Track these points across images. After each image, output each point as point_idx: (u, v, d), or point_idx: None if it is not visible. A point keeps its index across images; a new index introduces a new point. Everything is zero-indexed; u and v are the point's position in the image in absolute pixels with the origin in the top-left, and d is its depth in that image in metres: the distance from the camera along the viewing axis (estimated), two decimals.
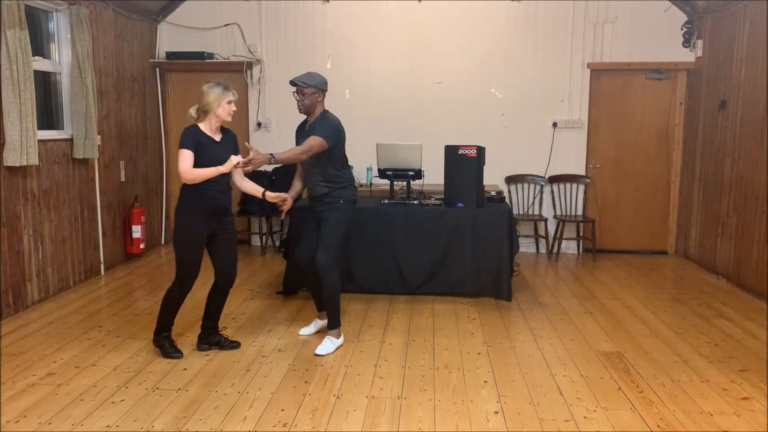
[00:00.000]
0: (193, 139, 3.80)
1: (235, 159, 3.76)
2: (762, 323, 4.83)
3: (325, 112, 4.24)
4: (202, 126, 3.88)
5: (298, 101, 4.19)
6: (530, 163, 7.30)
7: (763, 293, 5.41)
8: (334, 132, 4.12)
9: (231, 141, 4.00)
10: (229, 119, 3.90)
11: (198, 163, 3.76)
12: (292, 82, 4.15)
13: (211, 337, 4.22)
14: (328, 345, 4.19)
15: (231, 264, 4.10)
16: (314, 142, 4.01)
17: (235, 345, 4.24)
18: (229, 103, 3.86)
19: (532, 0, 7.08)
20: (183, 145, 3.78)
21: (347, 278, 5.38)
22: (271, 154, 3.83)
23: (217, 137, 3.91)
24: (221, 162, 3.78)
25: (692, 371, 3.90)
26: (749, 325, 4.78)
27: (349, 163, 4.49)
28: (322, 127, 4.10)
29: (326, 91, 4.26)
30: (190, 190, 3.87)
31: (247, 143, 3.95)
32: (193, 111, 3.91)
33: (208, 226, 3.93)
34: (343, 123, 4.27)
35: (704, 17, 6.73)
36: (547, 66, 7.18)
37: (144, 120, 7.13)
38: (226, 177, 3.92)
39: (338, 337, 4.28)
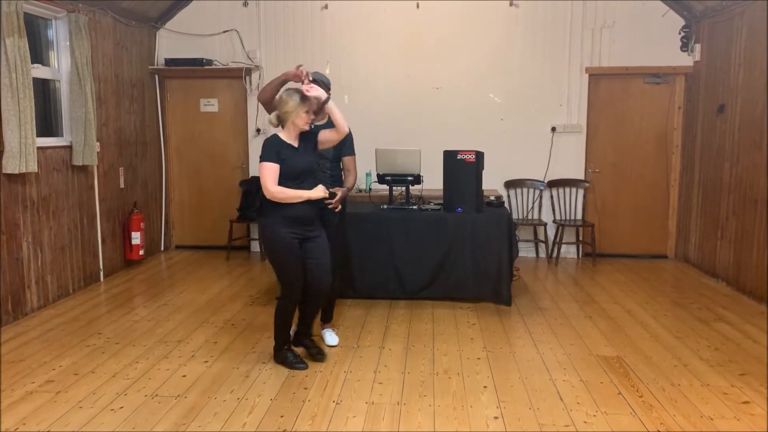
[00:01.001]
0: (275, 150, 3.73)
1: (322, 191, 3.79)
2: (762, 327, 4.83)
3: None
4: (283, 134, 3.82)
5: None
6: (529, 168, 7.31)
7: (762, 297, 5.40)
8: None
9: (311, 142, 3.91)
10: (308, 128, 3.83)
11: (280, 173, 3.72)
12: (316, 81, 4.01)
13: (303, 339, 4.18)
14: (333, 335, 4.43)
15: (320, 269, 3.93)
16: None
17: (320, 357, 4.10)
18: (307, 112, 3.78)
19: (530, 4, 7.10)
20: (265, 157, 3.72)
21: (347, 284, 5.38)
22: (347, 188, 4.15)
23: (297, 143, 3.84)
24: (303, 168, 3.78)
25: (692, 375, 3.89)
26: (749, 329, 4.78)
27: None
28: (350, 145, 4.31)
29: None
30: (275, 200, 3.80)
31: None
32: (273, 118, 3.85)
33: (299, 234, 3.84)
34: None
35: (702, 21, 6.75)
36: (546, 71, 7.19)
37: (143, 126, 7.13)
38: (310, 179, 3.86)
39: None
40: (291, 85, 3.93)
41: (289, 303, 3.93)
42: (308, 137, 3.90)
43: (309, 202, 3.82)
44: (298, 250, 3.85)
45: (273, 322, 4.02)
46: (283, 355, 4.04)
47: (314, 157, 3.92)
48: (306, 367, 3.98)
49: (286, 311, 3.96)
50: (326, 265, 3.95)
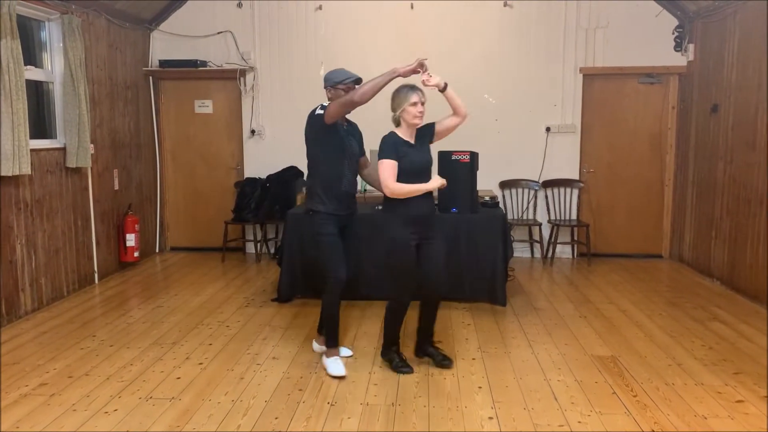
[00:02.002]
0: (394, 147, 3.70)
1: (440, 181, 3.74)
2: (756, 326, 4.84)
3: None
4: (399, 131, 3.79)
5: None
6: (524, 168, 7.32)
7: (757, 296, 5.42)
8: None
9: (427, 137, 3.87)
10: (417, 122, 3.75)
11: (398, 171, 3.69)
12: (357, 81, 3.96)
13: (426, 348, 4.12)
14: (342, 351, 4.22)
15: (435, 273, 3.86)
16: None
17: (446, 363, 4.01)
18: (414, 105, 3.69)
19: (524, 5, 7.11)
20: (384, 155, 3.69)
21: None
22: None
23: (413, 140, 3.80)
24: (421, 166, 3.75)
25: (687, 375, 3.90)
26: (744, 328, 4.79)
27: None
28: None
29: (331, 87, 3.97)
30: (393, 198, 3.75)
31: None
32: (394, 116, 3.82)
33: (416, 234, 3.79)
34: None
35: (695, 21, 6.77)
36: (540, 71, 7.20)
37: (138, 128, 7.12)
38: (427, 177, 3.81)
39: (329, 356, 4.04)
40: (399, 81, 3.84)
41: (403, 303, 3.90)
42: (424, 133, 3.85)
43: (424, 199, 3.77)
44: (414, 250, 3.80)
45: (384, 322, 4.00)
46: (390, 356, 4.01)
47: (430, 154, 3.88)
48: (411, 371, 3.92)
49: (400, 311, 3.93)
50: (440, 268, 3.88)
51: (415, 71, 3.79)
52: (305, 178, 4.42)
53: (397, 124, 3.82)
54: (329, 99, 3.98)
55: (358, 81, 3.95)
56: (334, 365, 3.91)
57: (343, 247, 3.98)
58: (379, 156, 3.71)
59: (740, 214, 5.76)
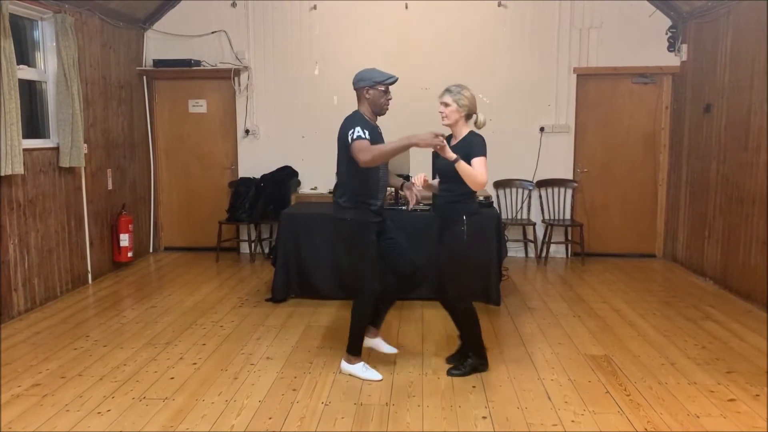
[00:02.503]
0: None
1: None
2: (749, 325, 4.86)
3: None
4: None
5: None
6: (518, 168, 7.33)
7: (750, 295, 5.44)
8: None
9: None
10: (446, 122, 3.88)
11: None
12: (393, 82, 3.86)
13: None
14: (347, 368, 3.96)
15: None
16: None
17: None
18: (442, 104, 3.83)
19: (519, 5, 7.12)
20: (483, 152, 3.75)
21: (337, 286, 5.38)
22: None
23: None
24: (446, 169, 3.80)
25: (679, 374, 3.91)
26: (736, 327, 4.81)
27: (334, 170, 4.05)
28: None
29: (369, 87, 3.84)
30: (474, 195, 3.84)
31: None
32: (476, 119, 3.94)
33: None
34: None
35: (688, 22, 6.79)
36: (534, 71, 7.22)
37: (131, 128, 7.10)
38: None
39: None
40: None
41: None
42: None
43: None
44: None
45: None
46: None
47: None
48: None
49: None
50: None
51: (433, 146, 3.65)
52: (337, 185, 4.12)
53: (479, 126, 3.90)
54: (366, 98, 3.83)
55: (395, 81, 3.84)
56: (367, 371, 3.84)
57: (400, 246, 3.95)
58: (479, 154, 3.72)
59: (733, 213, 5.78)
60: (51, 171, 5.58)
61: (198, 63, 7.26)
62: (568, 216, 7.34)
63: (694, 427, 3.23)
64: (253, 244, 7.31)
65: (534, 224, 7.29)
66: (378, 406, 3.48)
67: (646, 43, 7.06)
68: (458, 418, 3.33)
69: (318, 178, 7.31)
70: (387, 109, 3.89)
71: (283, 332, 4.70)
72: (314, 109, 7.29)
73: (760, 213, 5.31)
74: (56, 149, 5.66)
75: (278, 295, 5.47)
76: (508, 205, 7.33)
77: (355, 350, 3.89)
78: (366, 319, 3.90)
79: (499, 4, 7.14)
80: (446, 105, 3.82)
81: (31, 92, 5.67)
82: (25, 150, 5.06)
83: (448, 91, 3.83)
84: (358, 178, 3.76)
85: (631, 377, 3.85)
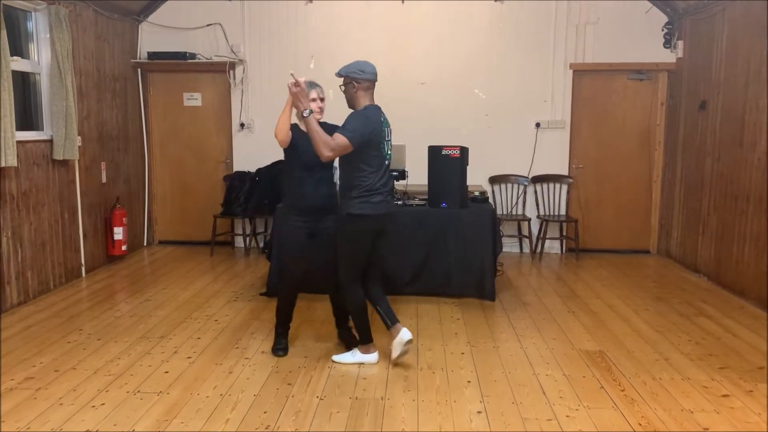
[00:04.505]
0: (295, 136, 3.85)
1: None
2: (742, 321, 4.88)
3: (366, 108, 3.78)
4: (300, 124, 3.88)
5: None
6: (513, 164, 7.33)
7: (743, 291, 5.47)
8: (357, 130, 3.66)
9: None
10: (318, 117, 3.82)
11: (292, 161, 3.92)
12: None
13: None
14: (346, 356, 4.04)
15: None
16: (339, 140, 3.62)
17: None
18: (314, 100, 3.83)
19: (515, 1, 7.11)
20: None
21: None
22: (310, 111, 3.66)
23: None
24: (315, 158, 3.71)
25: (673, 369, 3.93)
26: (729, 323, 4.83)
27: (335, 165, 4.03)
28: (347, 121, 3.71)
29: (365, 79, 3.79)
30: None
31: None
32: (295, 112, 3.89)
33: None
34: (328, 124, 4.09)
35: (684, 18, 6.80)
36: (530, 67, 7.21)
37: (125, 121, 7.06)
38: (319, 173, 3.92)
39: (365, 353, 4.00)
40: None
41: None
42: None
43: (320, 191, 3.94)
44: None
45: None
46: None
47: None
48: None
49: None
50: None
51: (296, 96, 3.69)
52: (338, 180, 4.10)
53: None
54: (353, 93, 3.82)
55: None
56: (372, 355, 3.99)
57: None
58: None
59: (727, 210, 5.80)
60: (44, 163, 5.55)
61: (193, 56, 7.22)
62: (563, 212, 7.36)
63: (688, 422, 3.24)
64: (247, 238, 7.30)
65: (529, 220, 7.30)
66: (373, 400, 3.48)
67: (641, 40, 7.06)
68: (453, 413, 3.33)
69: None
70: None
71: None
72: None
73: (754, 210, 5.33)
74: (50, 141, 5.62)
75: (273, 289, 5.45)
76: (503, 201, 7.34)
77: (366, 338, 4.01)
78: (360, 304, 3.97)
79: (496, 0, 7.12)
80: (322, 99, 3.93)
81: (24, 84, 5.62)
82: (18, 142, 5.03)
83: (318, 85, 3.92)
84: (364, 175, 3.79)
85: (626, 372, 3.87)
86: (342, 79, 3.87)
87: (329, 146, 3.61)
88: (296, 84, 3.66)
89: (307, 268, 4.06)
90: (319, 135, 3.61)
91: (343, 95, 3.91)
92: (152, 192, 7.65)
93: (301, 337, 4.47)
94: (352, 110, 3.85)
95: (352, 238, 3.82)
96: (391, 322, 3.91)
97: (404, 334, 3.85)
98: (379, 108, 3.85)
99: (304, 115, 3.64)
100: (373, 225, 3.81)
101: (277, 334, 4.22)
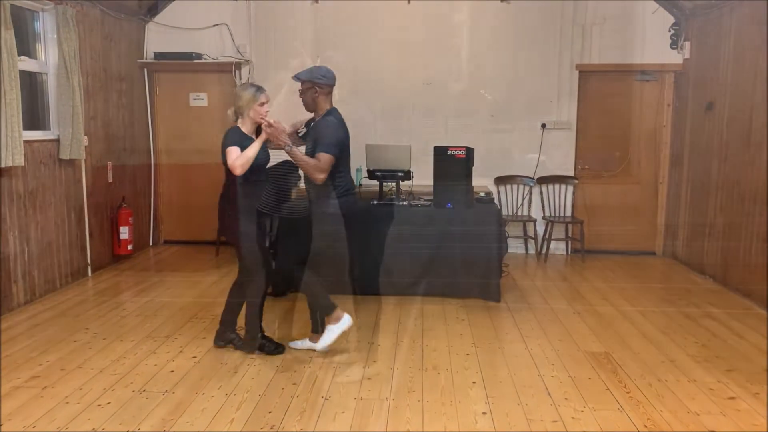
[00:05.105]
0: (238, 139, 3.85)
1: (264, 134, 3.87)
2: (749, 323, 4.86)
3: (329, 112, 4.04)
4: (243, 128, 3.92)
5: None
6: (519, 164, 7.32)
7: (749, 293, 5.44)
8: (336, 141, 3.95)
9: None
10: (262, 122, 3.88)
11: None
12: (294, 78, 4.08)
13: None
14: (326, 336, 4.10)
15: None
16: (325, 159, 3.87)
17: (279, 351, 4.17)
18: (261, 105, 3.87)
19: (521, 1, 7.10)
20: (230, 143, 3.81)
21: (337, 280, 5.37)
22: (290, 145, 3.87)
23: (255, 136, 3.95)
24: (261, 161, 3.89)
25: (679, 371, 3.92)
26: (736, 325, 4.81)
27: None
28: (321, 135, 3.94)
29: (327, 84, 4.05)
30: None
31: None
32: (230, 112, 3.96)
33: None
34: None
35: (691, 19, 6.78)
36: (536, 67, 7.20)
37: (132, 121, 7.08)
38: (265, 173, 4.04)
39: (336, 322, 4.08)
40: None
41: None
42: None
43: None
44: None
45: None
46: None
47: (268, 152, 4.00)
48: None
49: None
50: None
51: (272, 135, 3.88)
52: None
53: (236, 119, 3.95)
54: (315, 97, 4.02)
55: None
56: (341, 324, 4.06)
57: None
58: (226, 145, 3.82)
59: (734, 211, 5.77)
60: (51, 163, 5.57)
61: (199, 56, 7.24)
62: (568, 213, 7.34)
63: (694, 424, 3.23)
64: None
65: (534, 221, 7.28)
66: (378, 401, 3.48)
67: (648, 41, 7.04)
68: (458, 414, 3.33)
69: None
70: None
71: (283, 326, 4.70)
72: None
73: (761, 211, 5.31)
74: (56, 141, 5.64)
75: (278, 289, 5.46)
76: (508, 202, 7.32)
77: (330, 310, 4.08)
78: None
79: (502, 0, 7.11)
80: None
81: (31, 84, 5.65)
82: (25, 142, 5.05)
83: (264, 90, 4.00)
84: (341, 175, 4.12)
85: (631, 374, 3.86)
86: (300, 83, 4.04)
87: (319, 169, 3.88)
88: (269, 125, 3.82)
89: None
90: (307, 163, 3.89)
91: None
92: (158, 191, 7.66)
93: (304, 337, 4.47)
94: (312, 113, 4.09)
95: (327, 233, 4.04)
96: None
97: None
98: (337, 109, 4.09)
99: (286, 150, 3.87)
100: (350, 222, 4.08)
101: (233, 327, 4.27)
